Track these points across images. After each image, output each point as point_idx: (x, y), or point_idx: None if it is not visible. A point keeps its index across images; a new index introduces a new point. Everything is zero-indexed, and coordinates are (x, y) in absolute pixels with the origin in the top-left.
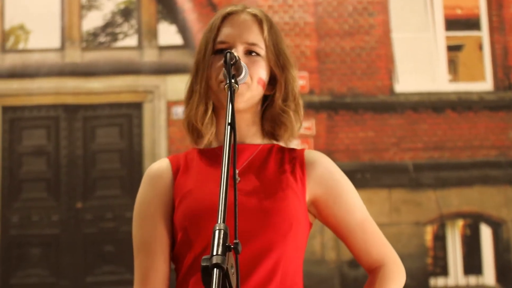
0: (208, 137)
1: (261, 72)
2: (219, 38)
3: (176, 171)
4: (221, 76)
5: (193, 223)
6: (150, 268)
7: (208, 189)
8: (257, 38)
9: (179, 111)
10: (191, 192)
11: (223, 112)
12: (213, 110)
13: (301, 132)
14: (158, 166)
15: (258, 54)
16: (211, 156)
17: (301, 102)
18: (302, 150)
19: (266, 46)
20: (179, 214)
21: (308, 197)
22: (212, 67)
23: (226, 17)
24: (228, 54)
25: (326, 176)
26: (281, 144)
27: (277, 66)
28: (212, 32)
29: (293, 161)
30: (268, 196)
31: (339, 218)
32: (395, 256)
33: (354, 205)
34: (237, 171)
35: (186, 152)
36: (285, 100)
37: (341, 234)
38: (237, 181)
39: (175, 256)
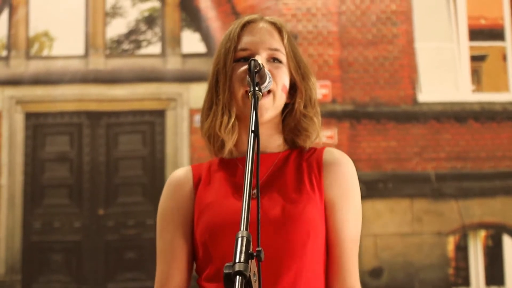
0: (230, 147)
1: (285, 79)
2: (240, 46)
3: (198, 181)
4: (244, 84)
5: (213, 237)
6: (168, 274)
7: (228, 203)
8: (279, 45)
9: None
10: (210, 205)
11: (244, 122)
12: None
13: (323, 141)
14: (179, 175)
15: (280, 61)
16: (232, 167)
17: (319, 110)
18: (322, 149)
19: (287, 53)
20: (199, 228)
21: (325, 199)
22: (234, 75)
23: (245, 25)
24: (253, 62)
25: (340, 179)
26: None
27: (298, 74)
28: (232, 41)
29: (311, 164)
30: (285, 207)
31: (334, 224)
32: None
33: (353, 220)
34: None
35: (210, 161)
36: (305, 107)
37: (328, 242)
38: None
39: (197, 269)
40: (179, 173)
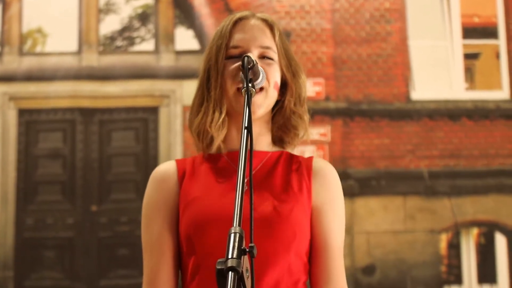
0: (219, 143)
1: (277, 76)
2: (232, 43)
3: (182, 176)
4: (237, 81)
5: (198, 231)
6: (157, 269)
7: (213, 197)
8: (271, 42)
9: None
10: (196, 199)
11: (235, 118)
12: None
13: (316, 138)
14: (164, 169)
15: (271, 59)
16: (219, 162)
17: (307, 108)
18: (311, 158)
19: (278, 51)
20: (184, 222)
21: (312, 204)
22: (226, 72)
23: (236, 22)
24: (246, 58)
25: (328, 186)
26: (290, 151)
27: (289, 71)
28: (224, 38)
29: (300, 169)
30: (273, 206)
31: (321, 230)
32: None
33: (339, 227)
34: (246, 180)
35: (193, 156)
36: (295, 104)
37: (313, 249)
38: (245, 189)
39: (181, 263)
40: (164, 167)
